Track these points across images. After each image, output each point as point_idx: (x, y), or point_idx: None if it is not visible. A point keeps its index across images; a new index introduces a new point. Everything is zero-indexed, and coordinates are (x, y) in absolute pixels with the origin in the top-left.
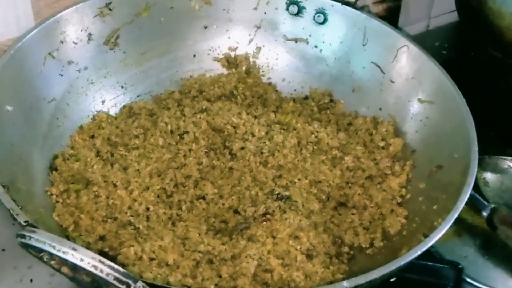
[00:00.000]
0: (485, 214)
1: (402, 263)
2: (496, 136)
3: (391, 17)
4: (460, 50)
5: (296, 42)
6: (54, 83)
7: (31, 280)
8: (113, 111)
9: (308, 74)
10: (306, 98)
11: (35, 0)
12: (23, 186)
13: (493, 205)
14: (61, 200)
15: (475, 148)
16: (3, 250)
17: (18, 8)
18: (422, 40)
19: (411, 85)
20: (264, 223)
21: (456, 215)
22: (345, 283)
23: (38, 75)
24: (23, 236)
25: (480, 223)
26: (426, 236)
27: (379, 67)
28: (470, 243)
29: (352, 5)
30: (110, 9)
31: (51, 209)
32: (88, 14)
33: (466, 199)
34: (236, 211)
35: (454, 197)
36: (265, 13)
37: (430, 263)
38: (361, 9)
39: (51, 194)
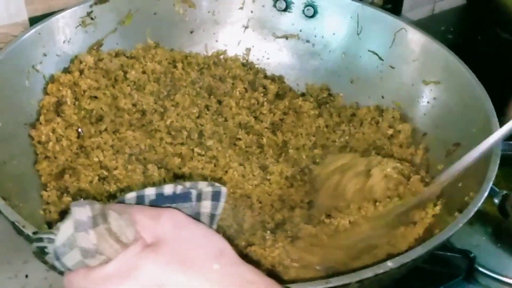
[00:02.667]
0: (496, 201)
1: (449, 235)
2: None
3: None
4: (467, 34)
5: (287, 38)
6: (41, 97)
7: (27, 276)
8: None
9: (303, 71)
10: (303, 95)
11: None
12: (20, 203)
13: (505, 192)
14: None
15: (494, 119)
16: None
17: None
18: (427, 25)
19: (413, 68)
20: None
21: (490, 184)
22: (389, 262)
23: (24, 89)
24: (40, 240)
25: (491, 210)
26: (461, 211)
27: (376, 54)
28: (482, 231)
29: None
30: (92, 18)
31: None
32: (69, 24)
33: (496, 168)
34: None
35: (481, 170)
36: (251, 12)
37: (441, 252)
38: None
39: (49, 212)
